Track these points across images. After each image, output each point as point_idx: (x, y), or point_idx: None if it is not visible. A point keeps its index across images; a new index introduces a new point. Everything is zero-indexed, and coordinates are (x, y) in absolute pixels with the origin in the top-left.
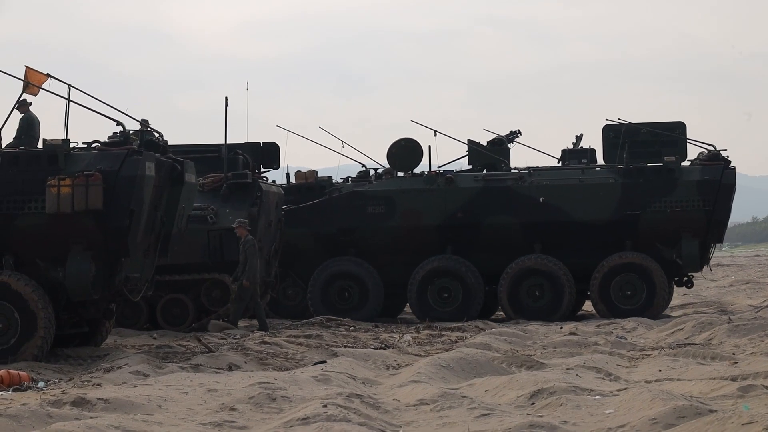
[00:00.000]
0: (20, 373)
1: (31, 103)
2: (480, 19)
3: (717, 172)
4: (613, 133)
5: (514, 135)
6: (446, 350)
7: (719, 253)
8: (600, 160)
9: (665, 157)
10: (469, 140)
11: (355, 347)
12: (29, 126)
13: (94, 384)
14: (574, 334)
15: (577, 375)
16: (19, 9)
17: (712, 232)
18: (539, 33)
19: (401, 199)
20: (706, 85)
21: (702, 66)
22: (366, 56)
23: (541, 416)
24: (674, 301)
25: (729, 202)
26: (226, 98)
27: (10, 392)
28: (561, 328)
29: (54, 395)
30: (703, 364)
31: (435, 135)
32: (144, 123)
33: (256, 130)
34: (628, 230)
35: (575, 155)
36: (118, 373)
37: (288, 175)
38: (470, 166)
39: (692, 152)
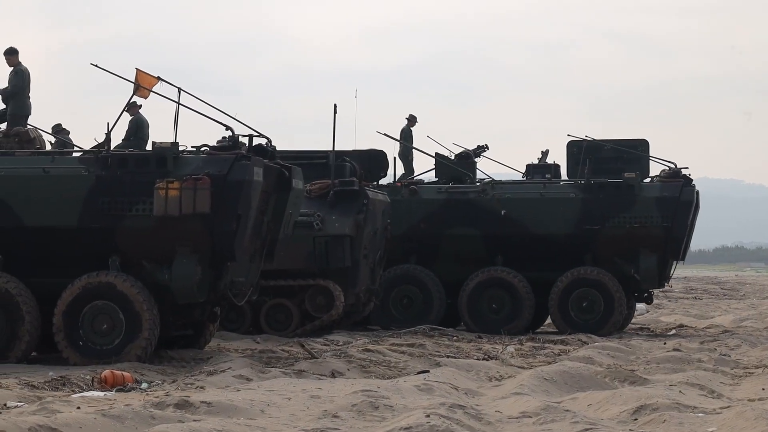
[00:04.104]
0: (124, 373)
1: (140, 106)
2: (593, 30)
3: (676, 189)
4: (577, 149)
5: (481, 149)
6: (549, 363)
7: None
8: (564, 176)
9: (625, 174)
10: (436, 153)
11: (458, 357)
12: (138, 128)
13: (198, 387)
14: (677, 350)
15: (680, 392)
16: (131, 10)
17: (669, 248)
18: (652, 45)
19: None
20: None
21: None
22: (478, 66)
23: None
24: None
25: (687, 219)
26: (335, 105)
27: (113, 393)
28: (665, 343)
29: (157, 397)
30: None
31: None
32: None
33: (365, 137)
34: (588, 245)
35: (539, 170)
36: (221, 376)
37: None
38: (436, 179)
39: (656, 170)
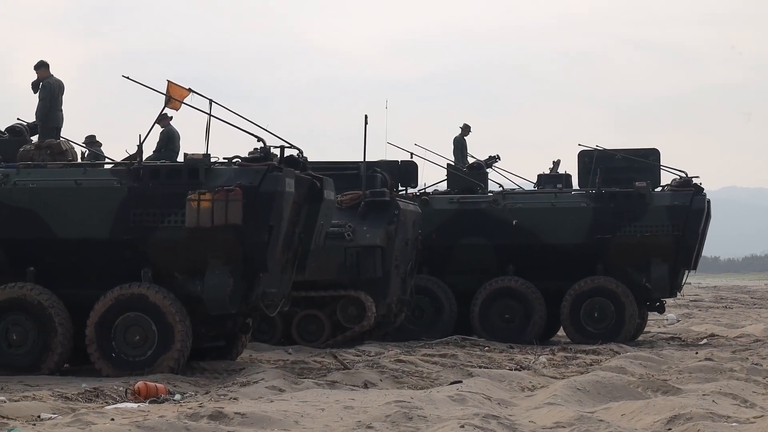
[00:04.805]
0: (157, 385)
1: (171, 117)
2: (623, 40)
3: (687, 198)
4: (588, 158)
5: (493, 160)
6: (582, 373)
7: None
8: (576, 186)
9: (636, 183)
10: (448, 164)
11: (490, 368)
12: (169, 140)
13: (231, 398)
14: (709, 359)
15: (713, 401)
16: (163, 20)
17: (681, 257)
18: (683, 55)
19: None
20: None
21: None
22: (508, 76)
23: None
24: None
25: (698, 228)
26: (366, 116)
27: (147, 404)
28: (696, 353)
29: (191, 408)
30: None
31: (411, 157)
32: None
33: (395, 148)
34: (599, 254)
35: (551, 180)
36: (254, 387)
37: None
38: (448, 189)
39: (667, 179)
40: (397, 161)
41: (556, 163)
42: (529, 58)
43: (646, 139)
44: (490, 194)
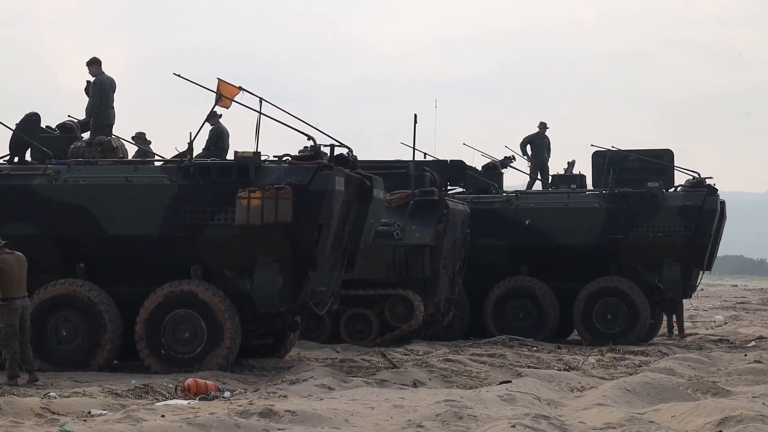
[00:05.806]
0: (207, 382)
1: (221, 115)
2: (671, 40)
3: (699, 198)
4: (602, 159)
5: (508, 160)
6: (630, 374)
7: None
8: (590, 186)
9: (648, 183)
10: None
11: (539, 368)
12: (219, 137)
13: (280, 396)
14: (758, 362)
15: (763, 403)
16: (212, 19)
17: (693, 257)
18: (731, 54)
19: None
20: None
21: None
22: (554, 76)
23: None
24: None
25: (711, 229)
26: (415, 115)
27: (197, 401)
28: (745, 355)
29: (241, 405)
30: None
31: (424, 157)
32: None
33: (443, 148)
34: (612, 254)
35: (565, 180)
36: (304, 385)
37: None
38: (462, 190)
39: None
40: (446, 160)
41: (571, 164)
42: (574, 57)
43: (690, 140)
44: (504, 194)
